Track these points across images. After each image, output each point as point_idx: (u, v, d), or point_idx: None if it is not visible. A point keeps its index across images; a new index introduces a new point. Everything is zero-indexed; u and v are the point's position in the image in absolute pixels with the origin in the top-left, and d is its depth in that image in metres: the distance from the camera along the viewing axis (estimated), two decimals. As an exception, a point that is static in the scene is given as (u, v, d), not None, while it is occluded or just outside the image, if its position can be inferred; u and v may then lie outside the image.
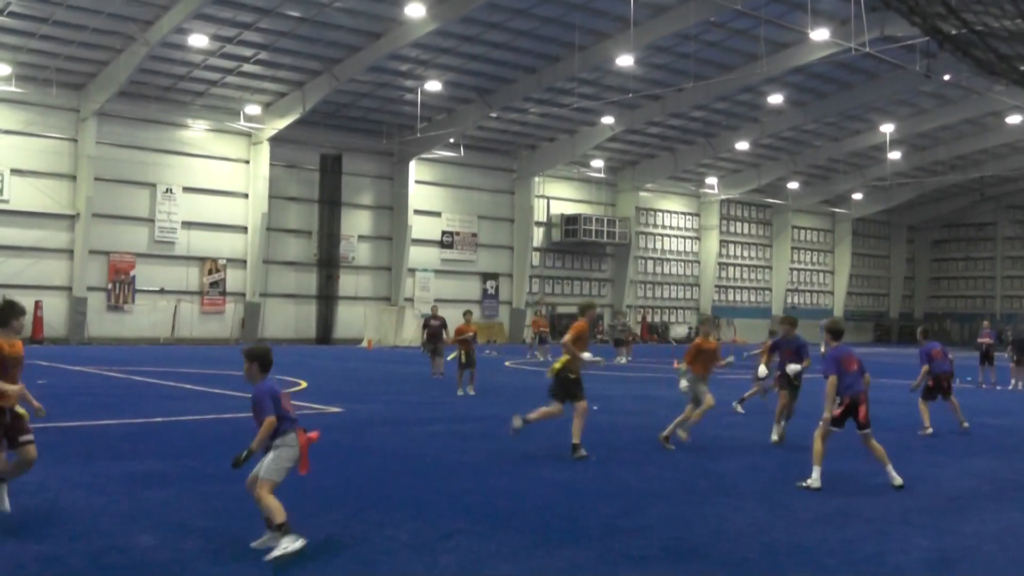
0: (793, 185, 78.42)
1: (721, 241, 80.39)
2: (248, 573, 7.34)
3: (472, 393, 22.29)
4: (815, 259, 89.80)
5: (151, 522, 8.96)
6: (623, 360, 41.62)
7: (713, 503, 10.46)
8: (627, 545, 8.41)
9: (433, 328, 29.56)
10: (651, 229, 76.90)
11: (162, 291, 53.59)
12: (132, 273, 52.75)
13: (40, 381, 25.68)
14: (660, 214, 77.68)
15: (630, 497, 10.75)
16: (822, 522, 9.59)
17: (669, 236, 78.41)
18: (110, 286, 52.13)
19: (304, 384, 25.56)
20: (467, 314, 25.34)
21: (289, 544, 7.74)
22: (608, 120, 58.61)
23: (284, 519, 7.86)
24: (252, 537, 8.29)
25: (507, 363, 39.88)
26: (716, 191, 77.01)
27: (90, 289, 51.02)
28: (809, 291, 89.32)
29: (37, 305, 48.88)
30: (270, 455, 8.24)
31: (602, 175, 71.10)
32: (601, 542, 8.48)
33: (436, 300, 54.09)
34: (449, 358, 23.84)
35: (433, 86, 51.09)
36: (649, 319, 75.89)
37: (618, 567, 7.73)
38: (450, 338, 25.53)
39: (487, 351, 50.85)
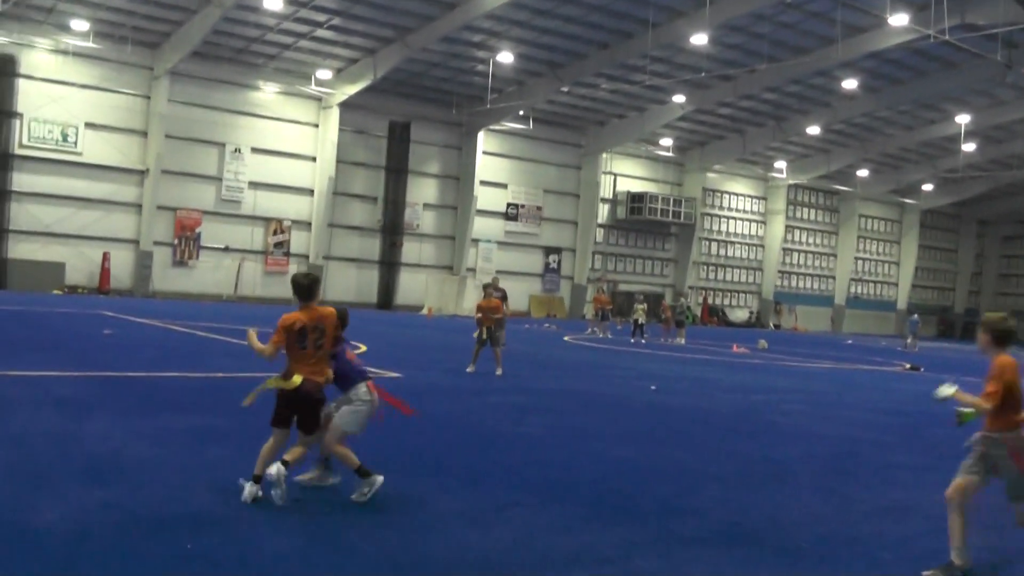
0: (862, 173, 77.41)
1: (787, 226, 79.70)
2: (300, 529, 7.42)
3: (499, 373, 20.82)
4: (881, 249, 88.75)
5: (210, 476, 9.07)
6: (681, 341, 41.42)
7: (769, 490, 10.39)
8: (681, 526, 8.39)
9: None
10: (716, 211, 76.45)
11: (227, 249, 54.15)
12: (198, 230, 53.36)
13: (106, 331, 26.15)
14: (726, 196, 77.14)
15: (686, 478, 10.72)
16: (879, 515, 9.49)
17: (734, 219, 77.86)
18: (176, 241, 52.79)
19: (364, 348, 25.70)
20: (488, 287, 24.03)
21: (373, 484, 8.29)
22: (679, 99, 58.21)
23: (358, 464, 8.35)
24: (305, 495, 8.39)
25: (566, 338, 39.86)
26: (784, 175, 76.31)
27: (156, 244, 51.73)
28: (873, 281, 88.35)
29: (105, 257, 49.82)
30: (343, 407, 8.60)
31: (670, 154, 70.69)
32: (656, 521, 8.46)
33: (498, 272, 54.21)
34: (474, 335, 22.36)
35: (505, 58, 50.99)
36: (710, 301, 75.45)
37: (672, 547, 7.72)
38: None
39: (546, 325, 50.95)
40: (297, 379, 8.26)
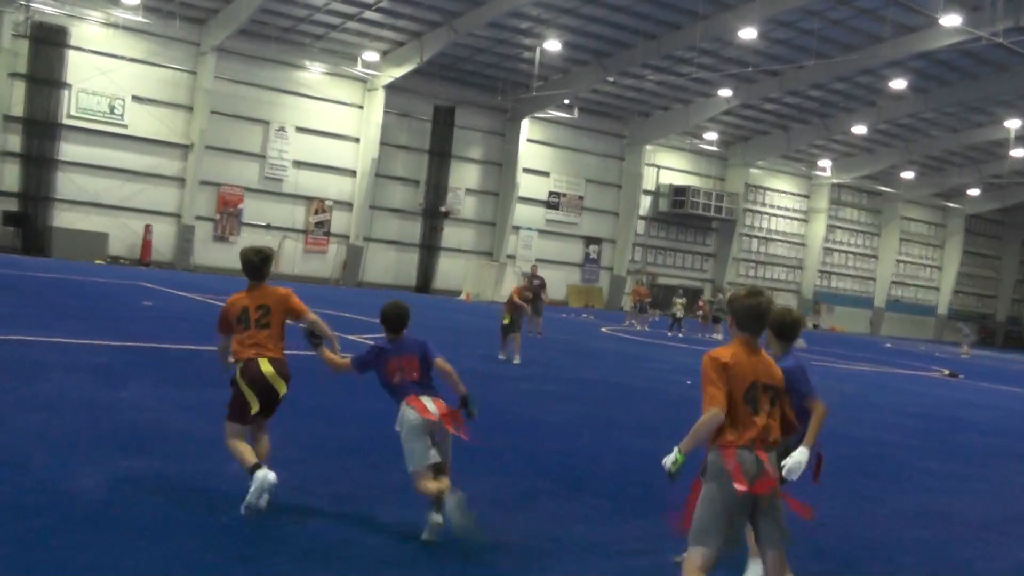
0: (907, 175, 76.68)
1: (828, 226, 79.14)
2: (326, 508, 7.50)
3: (517, 362, 20.55)
4: (923, 253, 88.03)
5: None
6: (718, 336, 41.39)
7: (793, 488, 10.37)
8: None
9: (534, 288, 29.76)
10: (758, 207, 76.05)
11: (268, 226, 54.44)
12: (240, 206, 53.70)
13: (146, 303, 26.41)
14: (769, 193, 76.71)
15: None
16: (902, 519, 9.49)
17: (776, 216, 77.40)
18: (217, 217, 53.15)
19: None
20: (524, 277, 24.01)
21: (452, 503, 7.00)
22: (725, 93, 57.91)
23: (434, 492, 7.13)
24: (331, 474, 8.47)
25: (603, 329, 39.88)
26: (827, 174, 75.75)
27: (198, 218, 52.09)
28: (914, 285, 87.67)
29: (147, 229, 50.27)
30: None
31: (714, 148, 70.42)
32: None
33: (537, 260, 54.24)
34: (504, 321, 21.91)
35: (552, 46, 50.89)
36: (748, 298, 75.06)
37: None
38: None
39: (584, 315, 50.99)
40: (267, 369, 7.71)
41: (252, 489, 7.17)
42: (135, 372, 13.49)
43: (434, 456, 7.29)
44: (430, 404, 7.42)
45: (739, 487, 5.36)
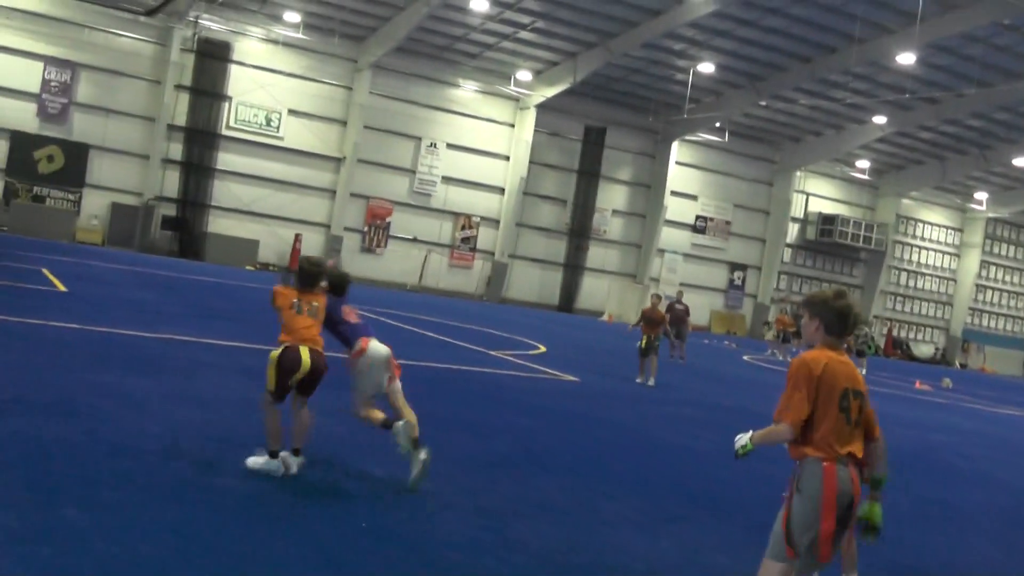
0: (1071, 211, 73.93)
1: (982, 261, 76.67)
2: (470, 518, 7.54)
3: (651, 384, 20.24)
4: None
5: (385, 457, 9.30)
6: (862, 371, 40.35)
7: (945, 533, 10.07)
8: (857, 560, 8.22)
9: (677, 312, 29.56)
10: (909, 239, 74.20)
11: (415, 240, 55.24)
12: (388, 219, 54.64)
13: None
14: (920, 225, 74.78)
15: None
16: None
17: (926, 249, 75.39)
18: (366, 229, 54.19)
19: (543, 349, 25.91)
20: (655, 297, 23.82)
21: (398, 432, 8.24)
22: (879, 119, 56.73)
23: (383, 418, 8.44)
24: (478, 487, 8.52)
25: (745, 357, 39.36)
26: (983, 208, 73.42)
27: (347, 229, 53.23)
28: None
29: (296, 238, 51.58)
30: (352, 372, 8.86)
31: (865, 176, 69.06)
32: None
33: (681, 284, 53.86)
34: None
35: (705, 68, 50.61)
36: (894, 333, 73.22)
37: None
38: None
39: (726, 342, 50.39)
40: (306, 359, 8.16)
41: (262, 462, 7.97)
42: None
43: (382, 387, 8.78)
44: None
45: (831, 504, 5.12)
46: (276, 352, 8.16)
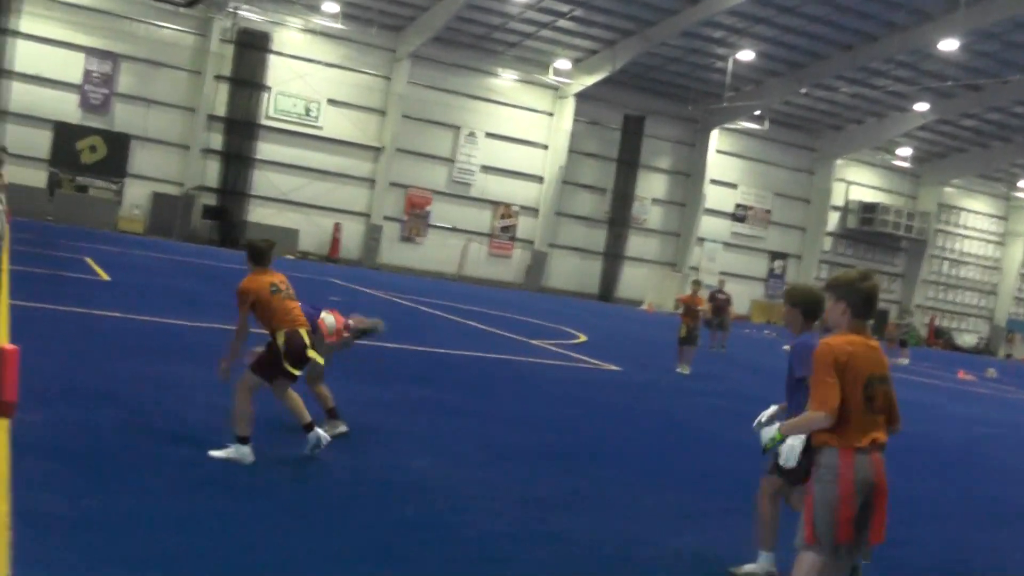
0: (1117, 199, 72.94)
1: (1028, 250, 75.73)
2: (511, 512, 7.52)
3: (687, 372, 20.24)
4: None
5: (428, 447, 9.32)
6: (904, 361, 39.93)
7: (996, 532, 9.92)
8: (900, 555, 8.12)
9: (719, 302, 29.45)
10: (951, 228, 73.41)
11: (454, 229, 55.27)
12: (428, 208, 54.68)
13: (333, 298, 27.04)
14: (963, 213, 73.96)
15: (903, 507, 10.25)
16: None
17: (970, 238, 74.57)
18: (405, 218, 54.27)
19: (583, 338, 25.87)
20: (695, 285, 23.66)
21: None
22: (921, 107, 56.12)
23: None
24: (527, 478, 8.50)
25: (785, 347, 39.08)
26: (1029, 195, 72.57)
27: (386, 218, 53.30)
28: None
29: (336, 227, 51.81)
30: None
31: (907, 165, 68.35)
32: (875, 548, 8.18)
33: (721, 273, 53.60)
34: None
35: (745, 55, 50.24)
36: (937, 323, 72.56)
37: (888, 574, 7.50)
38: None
39: (766, 331, 50.16)
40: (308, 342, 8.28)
41: (230, 453, 7.77)
42: (330, 369, 13.81)
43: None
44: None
45: (849, 491, 5.09)
46: (280, 339, 8.13)
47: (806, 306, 6.67)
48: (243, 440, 7.82)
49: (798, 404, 6.12)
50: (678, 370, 20.50)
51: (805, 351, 6.05)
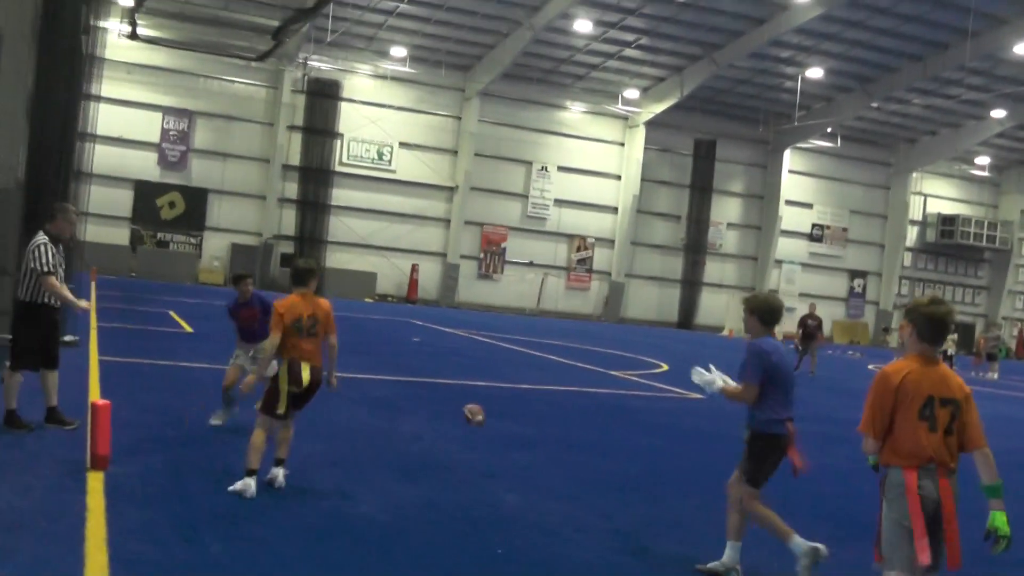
0: None
1: (1120, 255, 73.78)
2: (604, 538, 7.50)
3: None
4: None
5: (516, 482, 9.33)
6: (994, 376, 39.01)
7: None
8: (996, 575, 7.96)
9: (810, 328, 29.01)
10: (1036, 235, 71.81)
11: (531, 264, 55.41)
12: (503, 245, 54.91)
13: (415, 339, 27.28)
14: (1048, 220, 72.37)
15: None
16: None
17: (1056, 244, 72.92)
18: (481, 255, 54.55)
19: (665, 367, 25.74)
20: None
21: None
22: (997, 114, 55.27)
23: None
24: (611, 510, 8.47)
25: (870, 367, 38.57)
26: (1116, 199, 70.83)
27: (463, 257, 53.63)
28: None
29: (413, 268, 52.20)
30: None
31: (985, 174, 67.26)
32: (965, 570, 7.97)
33: (800, 295, 53.12)
34: None
35: (814, 73, 49.92)
36: (1027, 334, 70.84)
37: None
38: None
39: (849, 352, 49.46)
40: (306, 376, 8.29)
41: (237, 485, 7.85)
42: (410, 405, 13.96)
43: None
44: None
45: (917, 505, 5.23)
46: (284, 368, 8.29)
47: (762, 313, 7.07)
48: (250, 473, 7.94)
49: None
50: None
51: (751, 354, 6.90)
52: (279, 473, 8.26)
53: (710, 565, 6.95)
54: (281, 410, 8.22)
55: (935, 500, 5.22)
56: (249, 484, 7.87)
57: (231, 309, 11.47)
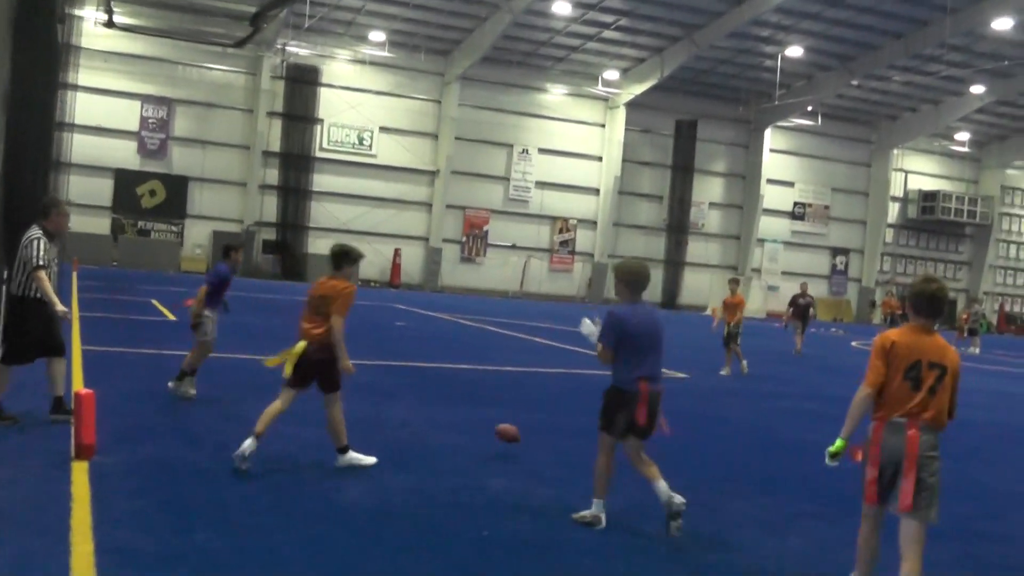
0: None
1: (1099, 228, 74.12)
2: (597, 526, 7.50)
3: (725, 374, 20.50)
4: None
5: (503, 466, 9.32)
6: (975, 350, 39.09)
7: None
8: (987, 552, 7.98)
9: (800, 307, 29.11)
10: (1017, 210, 72.18)
11: (513, 247, 55.40)
12: (486, 228, 54.88)
13: (399, 323, 27.26)
14: (1028, 195, 72.69)
15: (988, 499, 10.17)
16: None
17: (1036, 219, 73.23)
18: (464, 239, 54.51)
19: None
20: (733, 283, 23.73)
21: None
22: (977, 90, 55.39)
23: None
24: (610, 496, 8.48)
25: (853, 343, 38.71)
26: (1097, 172, 71.10)
27: (445, 241, 53.59)
28: None
29: (396, 253, 52.15)
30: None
31: (966, 149, 67.47)
32: (957, 544, 7.96)
33: (783, 272, 53.22)
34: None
35: (794, 52, 49.97)
36: (1007, 309, 71.27)
37: (978, 574, 7.37)
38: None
39: (832, 329, 49.62)
40: (300, 346, 8.84)
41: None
42: (397, 391, 13.91)
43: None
44: None
45: (858, 457, 6.04)
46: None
47: (627, 280, 7.64)
48: (341, 450, 8.74)
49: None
50: (722, 372, 20.47)
51: (607, 320, 7.54)
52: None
53: (583, 512, 7.52)
54: (286, 374, 8.73)
55: (900, 452, 5.83)
56: (357, 458, 8.76)
57: (227, 279, 12.93)
